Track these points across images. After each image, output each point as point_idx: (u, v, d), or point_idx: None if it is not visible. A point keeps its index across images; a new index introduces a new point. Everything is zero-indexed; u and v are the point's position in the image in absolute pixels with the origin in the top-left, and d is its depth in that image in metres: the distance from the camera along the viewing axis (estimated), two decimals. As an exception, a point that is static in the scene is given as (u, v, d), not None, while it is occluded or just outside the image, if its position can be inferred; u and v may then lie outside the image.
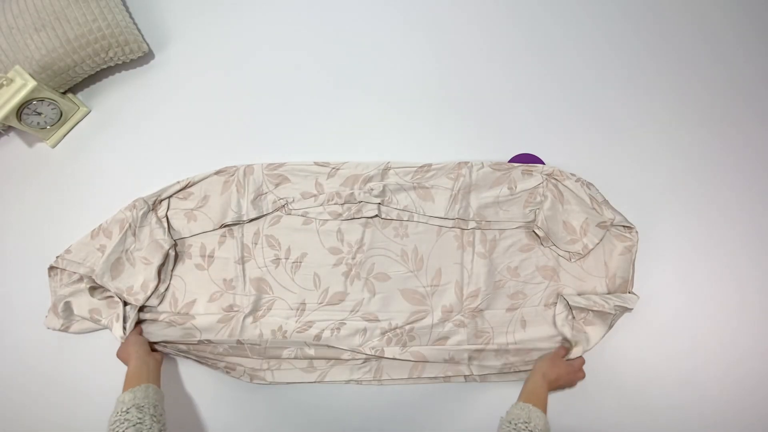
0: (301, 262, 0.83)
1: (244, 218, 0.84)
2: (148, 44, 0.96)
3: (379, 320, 0.80)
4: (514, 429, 0.61)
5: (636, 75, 0.91)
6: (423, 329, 0.80)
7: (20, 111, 0.86)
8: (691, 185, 0.86)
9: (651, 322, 0.79)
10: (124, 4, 0.96)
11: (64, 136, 0.95)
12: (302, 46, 0.97)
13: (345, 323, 0.80)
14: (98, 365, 0.83)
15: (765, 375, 0.78)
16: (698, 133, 0.88)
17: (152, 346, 0.81)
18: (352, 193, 0.84)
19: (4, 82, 0.83)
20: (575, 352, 0.77)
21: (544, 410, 0.66)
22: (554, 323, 0.79)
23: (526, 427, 0.61)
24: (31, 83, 0.84)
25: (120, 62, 0.93)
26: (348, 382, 0.80)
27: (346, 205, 0.84)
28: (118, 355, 0.78)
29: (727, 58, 0.92)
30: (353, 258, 0.83)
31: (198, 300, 0.83)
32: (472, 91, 0.92)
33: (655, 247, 0.83)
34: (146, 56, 0.97)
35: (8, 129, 0.95)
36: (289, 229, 0.84)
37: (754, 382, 0.78)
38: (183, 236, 0.85)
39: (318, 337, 0.79)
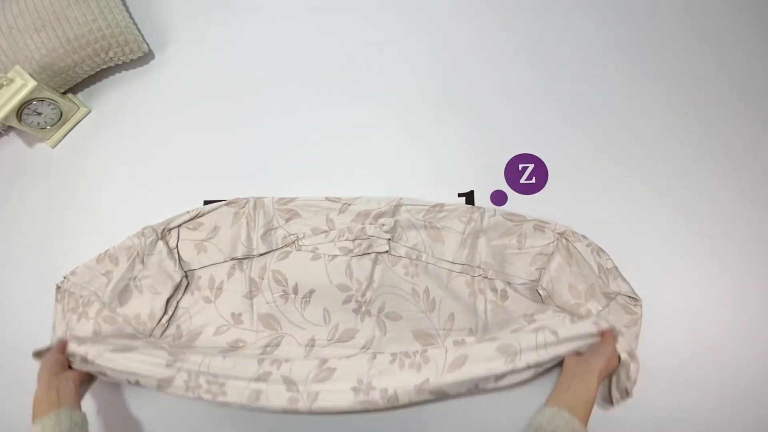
0: (309, 299, 0.81)
1: (254, 253, 0.83)
2: (148, 44, 0.96)
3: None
4: None
5: (637, 78, 0.91)
6: (438, 352, 0.72)
7: (20, 111, 0.86)
8: (688, 183, 0.86)
9: (652, 321, 0.79)
10: (124, 4, 0.96)
11: (64, 136, 0.95)
12: (307, 47, 0.97)
13: (356, 355, 0.76)
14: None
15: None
16: (696, 134, 0.88)
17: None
18: (362, 228, 0.82)
19: (4, 82, 0.83)
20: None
21: (587, 423, 0.56)
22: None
23: None
24: (31, 83, 0.84)
25: (120, 62, 0.93)
26: (353, 409, 0.71)
27: (357, 241, 0.82)
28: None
29: (731, 68, 0.92)
30: (363, 296, 0.80)
31: (203, 333, 0.80)
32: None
33: (657, 245, 0.83)
34: (146, 56, 0.97)
35: (8, 129, 0.95)
36: (296, 265, 0.82)
37: (758, 383, 0.78)
38: (192, 268, 0.84)
39: (324, 361, 0.74)
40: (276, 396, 0.71)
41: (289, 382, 0.72)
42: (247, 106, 0.93)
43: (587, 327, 0.70)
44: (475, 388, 0.71)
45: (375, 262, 0.81)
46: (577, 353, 0.68)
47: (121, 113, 0.95)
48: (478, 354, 0.70)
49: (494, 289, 0.80)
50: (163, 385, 0.71)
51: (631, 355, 0.69)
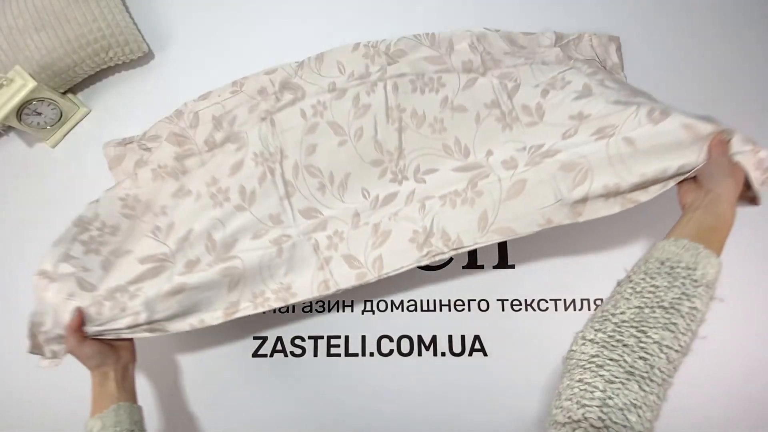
0: (346, 183, 0.78)
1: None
2: (148, 44, 0.96)
3: (435, 196, 0.73)
4: (669, 273, 0.42)
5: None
6: (490, 184, 0.69)
7: (20, 111, 0.86)
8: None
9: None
10: (124, 4, 0.96)
11: (64, 136, 0.95)
12: (305, 47, 0.97)
13: (401, 210, 0.74)
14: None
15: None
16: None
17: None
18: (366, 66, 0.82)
19: (4, 82, 0.83)
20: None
21: (720, 253, 0.45)
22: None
23: (689, 276, 0.42)
24: (31, 83, 0.84)
25: (120, 62, 0.93)
26: (420, 261, 0.69)
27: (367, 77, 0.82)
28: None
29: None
30: (396, 165, 0.78)
31: (241, 239, 0.75)
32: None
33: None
34: (146, 56, 0.97)
35: (8, 129, 0.95)
36: (327, 155, 0.79)
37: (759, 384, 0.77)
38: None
39: (377, 227, 0.74)
40: (343, 278, 0.71)
41: (350, 260, 0.72)
42: (247, 106, 0.93)
43: (675, 128, 0.57)
44: (547, 222, 0.65)
45: (400, 132, 0.78)
46: (693, 181, 0.56)
47: (121, 113, 0.95)
48: (537, 175, 0.65)
49: (529, 112, 0.73)
50: (230, 311, 0.70)
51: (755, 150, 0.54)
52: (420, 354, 0.81)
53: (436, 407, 0.78)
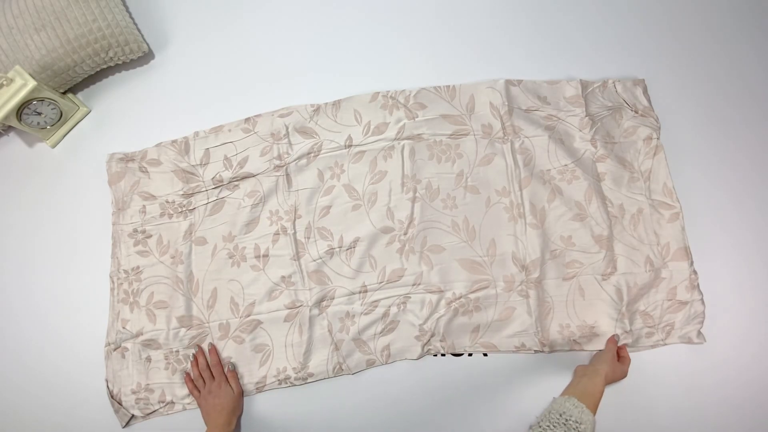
0: (354, 247, 0.83)
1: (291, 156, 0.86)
2: (148, 44, 0.96)
3: (442, 291, 0.80)
4: (565, 424, 0.60)
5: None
6: (488, 299, 0.80)
7: (20, 111, 0.86)
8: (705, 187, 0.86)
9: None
10: (124, 4, 0.96)
11: (64, 136, 0.95)
12: (303, 46, 0.97)
13: (410, 297, 0.81)
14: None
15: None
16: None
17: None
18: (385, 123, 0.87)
19: (4, 82, 0.83)
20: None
21: (594, 413, 0.65)
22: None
23: (577, 428, 0.60)
24: (31, 83, 0.84)
25: (120, 62, 0.93)
26: (421, 356, 0.79)
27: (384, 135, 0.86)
28: (210, 406, 0.75)
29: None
30: (405, 234, 0.83)
31: (257, 300, 0.83)
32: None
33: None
34: (146, 56, 0.97)
35: (8, 129, 0.95)
36: (340, 218, 0.84)
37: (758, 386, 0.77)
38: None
39: (386, 314, 0.80)
40: (356, 364, 0.80)
41: (360, 344, 0.80)
42: (247, 105, 0.93)
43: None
44: (522, 346, 0.78)
45: (413, 201, 0.84)
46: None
47: (121, 113, 0.95)
48: (523, 307, 0.79)
49: (534, 211, 0.82)
50: (260, 385, 0.80)
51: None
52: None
53: (436, 407, 0.77)
